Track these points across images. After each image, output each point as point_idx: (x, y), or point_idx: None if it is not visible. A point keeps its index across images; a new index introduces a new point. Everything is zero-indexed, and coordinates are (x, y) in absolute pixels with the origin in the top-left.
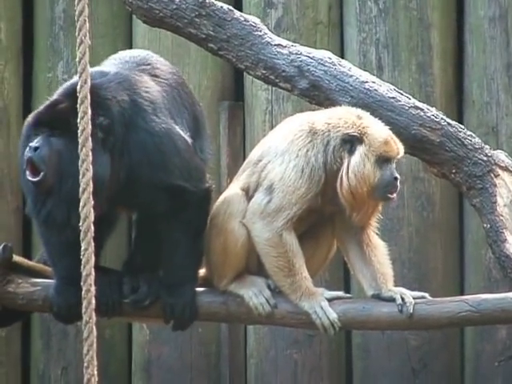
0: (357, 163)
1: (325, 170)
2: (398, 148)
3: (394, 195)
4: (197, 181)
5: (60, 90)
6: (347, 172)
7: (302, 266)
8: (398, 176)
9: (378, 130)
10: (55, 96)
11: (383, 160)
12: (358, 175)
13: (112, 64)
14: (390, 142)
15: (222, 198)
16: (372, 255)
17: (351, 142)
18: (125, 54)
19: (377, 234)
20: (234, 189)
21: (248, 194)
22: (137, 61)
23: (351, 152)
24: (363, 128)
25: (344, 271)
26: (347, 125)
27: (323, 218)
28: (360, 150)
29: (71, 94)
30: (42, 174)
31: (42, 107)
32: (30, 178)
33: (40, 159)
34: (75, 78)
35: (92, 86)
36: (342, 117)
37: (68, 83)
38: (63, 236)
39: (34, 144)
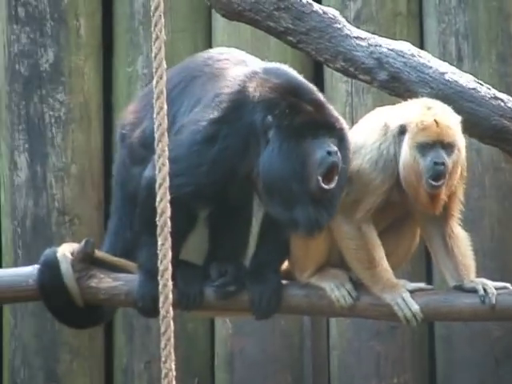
0: (402, 153)
1: (397, 163)
2: (442, 132)
3: (440, 182)
4: None
5: (296, 91)
6: (400, 163)
7: (382, 258)
8: (440, 160)
9: (424, 117)
10: (314, 103)
11: (425, 146)
12: (404, 165)
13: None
14: (431, 126)
15: None
16: (454, 246)
17: (403, 131)
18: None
19: (459, 224)
20: None
21: None
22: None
23: (402, 141)
24: (412, 117)
25: (426, 262)
26: (407, 115)
27: (406, 211)
28: (405, 139)
29: (307, 94)
30: (335, 180)
31: (302, 110)
32: (324, 186)
33: (338, 166)
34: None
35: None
36: (411, 109)
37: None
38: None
39: (334, 149)
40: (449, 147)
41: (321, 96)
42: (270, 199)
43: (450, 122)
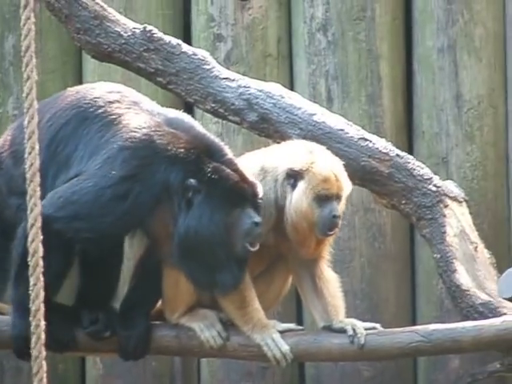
0: (296, 200)
1: (276, 207)
2: (341, 185)
3: (334, 231)
4: None
5: (210, 151)
6: (289, 208)
7: (254, 298)
8: (338, 213)
9: (321, 167)
10: (231, 168)
11: (322, 197)
12: (298, 212)
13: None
14: (331, 179)
15: None
16: (324, 288)
17: (294, 177)
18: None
19: (329, 265)
20: None
21: None
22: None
23: (294, 187)
24: (308, 164)
25: (296, 303)
26: (294, 160)
27: (279, 254)
28: (300, 186)
29: (224, 157)
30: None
31: (246, 182)
32: (251, 249)
33: None
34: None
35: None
36: (292, 152)
37: (191, 138)
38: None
39: (259, 220)
40: (339, 200)
41: (231, 155)
42: (187, 261)
43: (343, 172)
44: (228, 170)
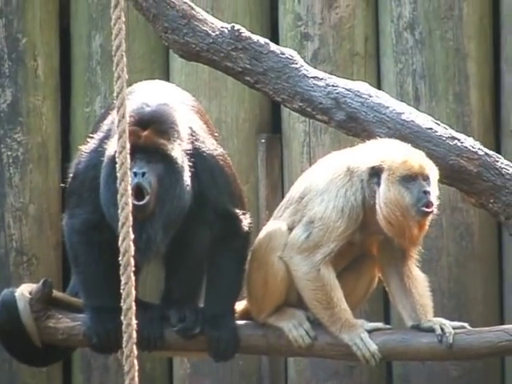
0: (383, 191)
1: (363, 207)
2: (422, 164)
3: (431, 208)
4: (244, 209)
5: (132, 117)
6: (379, 204)
7: (341, 299)
8: (428, 189)
9: (398, 152)
10: (131, 124)
11: (407, 179)
12: (388, 202)
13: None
14: (410, 159)
15: (264, 232)
16: (412, 287)
17: (376, 173)
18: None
19: (416, 264)
20: (277, 224)
21: (292, 230)
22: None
23: (379, 184)
24: (386, 156)
25: (384, 302)
26: (374, 157)
27: (364, 252)
28: (383, 178)
29: (150, 122)
30: (146, 198)
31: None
32: (134, 202)
33: (148, 184)
34: (136, 104)
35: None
36: (371, 151)
37: (134, 110)
38: (146, 261)
39: (140, 170)
40: (428, 179)
41: (167, 123)
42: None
43: (423, 155)
44: (138, 130)
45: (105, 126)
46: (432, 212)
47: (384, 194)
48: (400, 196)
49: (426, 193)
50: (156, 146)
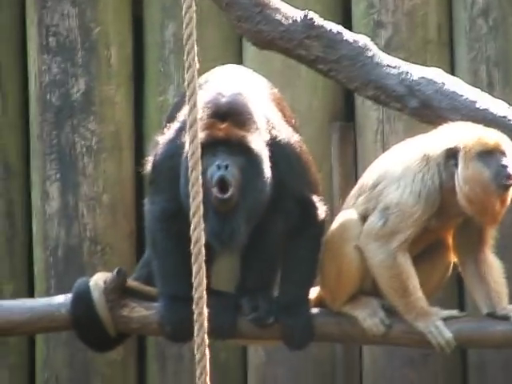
0: (462, 170)
1: (441, 191)
2: (496, 139)
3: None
4: (320, 196)
5: (209, 109)
6: (459, 184)
7: (416, 287)
8: (506, 163)
9: (471, 132)
10: (208, 116)
11: (484, 155)
12: (467, 180)
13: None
14: (484, 136)
15: (337, 222)
16: (488, 274)
17: (454, 155)
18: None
19: (492, 251)
20: (350, 213)
21: (365, 219)
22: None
23: (456, 164)
24: (459, 137)
25: (458, 289)
26: (451, 139)
27: (440, 239)
28: (460, 157)
29: (228, 113)
30: (230, 190)
31: (208, 129)
32: (218, 195)
33: (231, 177)
34: (211, 95)
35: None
36: (445, 134)
37: (210, 102)
38: (228, 253)
39: (223, 162)
40: (504, 154)
41: (246, 113)
42: None
43: (498, 132)
44: (217, 123)
45: (181, 116)
46: None
47: (463, 172)
48: (479, 172)
49: (504, 166)
50: (237, 139)
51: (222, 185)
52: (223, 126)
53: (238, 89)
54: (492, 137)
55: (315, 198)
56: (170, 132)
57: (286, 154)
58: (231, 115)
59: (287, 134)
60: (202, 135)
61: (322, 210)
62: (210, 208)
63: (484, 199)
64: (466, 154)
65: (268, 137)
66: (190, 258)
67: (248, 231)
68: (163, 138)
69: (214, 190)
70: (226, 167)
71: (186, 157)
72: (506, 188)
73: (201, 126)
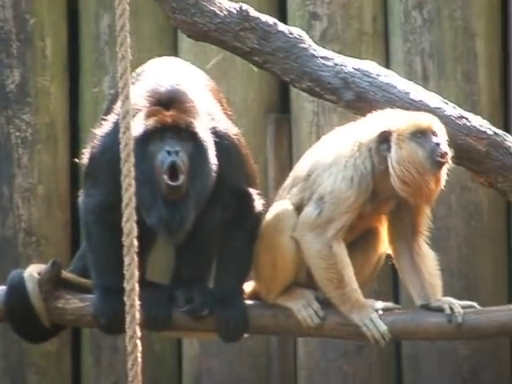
0: (395, 152)
1: (373, 175)
2: (430, 120)
3: (446, 158)
4: (257, 188)
5: (151, 97)
6: (392, 166)
7: (352, 278)
8: (439, 141)
9: (403, 116)
10: (152, 103)
11: (417, 135)
12: (401, 161)
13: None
14: (417, 116)
15: (271, 213)
16: (422, 265)
17: (386, 137)
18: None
19: (427, 243)
20: (284, 204)
21: (300, 209)
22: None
23: (389, 148)
24: (391, 121)
25: (393, 281)
26: (382, 124)
27: (372, 228)
28: (393, 140)
29: (171, 101)
30: (181, 177)
31: (154, 115)
32: (169, 183)
33: (182, 163)
34: (151, 84)
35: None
36: (376, 120)
37: (152, 90)
38: (175, 241)
39: (173, 148)
40: (437, 134)
41: (190, 102)
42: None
43: (430, 115)
44: (162, 110)
45: (118, 108)
46: (446, 162)
47: (396, 154)
48: (413, 152)
49: (438, 144)
50: (186, 124)
51: (173, 171)
52: (170, 113)
53: (177, 79)
54: (424, 118)
55: (252, 191)
56: (107, 124)
57: (225, 145)
58: (175, 103)
59: (226, 126)
60: (148, 122)
61: (258, 203)
62: (158, 195)
63: (418, 180)
64: (398, 136)
65: (209, 126)
66: None
67: (194, 218)
68: (101, 130)
69: (165, 177)
70: (177, 153)
71: None
72: (441, 165)
73: (145, 114)
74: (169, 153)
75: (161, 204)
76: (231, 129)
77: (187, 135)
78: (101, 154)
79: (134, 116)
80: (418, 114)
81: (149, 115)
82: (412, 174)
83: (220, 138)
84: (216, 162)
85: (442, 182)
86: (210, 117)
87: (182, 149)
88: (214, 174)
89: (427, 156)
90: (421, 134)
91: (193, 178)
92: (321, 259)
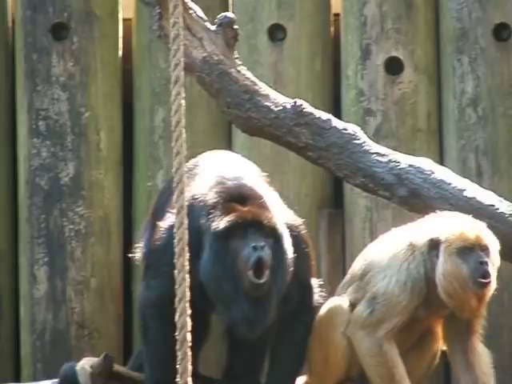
0: (442, 264)
1: (426, 281)
2: (480, 236)
3: (488, 279)
4: (318, 279)
5: (223, 192)
6: (438, 276)
7: (403, 377)
8: (484, 260)
9: (456, 224)
10: (223, 198)
11: (464, 251)
12: (446, 275)
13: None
14: (467, 231)
15: (325, 308)
16: (475, 363)
17: (436, 246)
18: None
19: (481, 340)
20: (339, 300)
21: (354, 307)
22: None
23: (438, 256)
24: (443, 228)
25: (444, 377)
26: (434, 230)
27: (428, 328)
28: (441, 250)
29: (244, 196)
30: (266, 274)
31: (233, 211)
32: (255, 280)
33: (268, 259)
34: (217, 179)
35: None
36: (431, 224)
37: (220, 185)
38: (252, 337)
39: (259, 244)
40: (486, 250)
41: (262, 197)
42: (215, 303)
43: (482, 226)
44: (239, 206)
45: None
46: (489, 282)
47: (442, 266)
48: (457, 268)
49: (483, 263)
50: (267, 220)
51: (259, 267)
52: (247, 208)
53: (239, 173)
54: (474, 231)
55: (314, 282)
56: (171, 217)
57: (295, 238)
58: (248, 198)
59: (293, 217)
60: (228, 218)
61: (318, 295)
62: (240, 291)
63: (461, 296)
64: (446, 248)
65: (282, 220)
66: None
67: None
68: (165, 223)
69: (249, 274)
70: (262, 248)
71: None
72: (483, 286)
73: (222, 210)
74: (255, 248)
75: (243, 300)
76: (297, 220)
77: (269, 230)
78: (163, 247)
79: (207, 212)
80: (469, 222)
81: (227, 211)
82: (455, 289)
83: (290, 230)
84: (292, 256)
85: (486, 300)
86: (278, 209)
87: (266, 244)
88: (291, 268)
89: (470, 274)
90: (468, 250)
91: (274, 274)
92: (371, 357)
